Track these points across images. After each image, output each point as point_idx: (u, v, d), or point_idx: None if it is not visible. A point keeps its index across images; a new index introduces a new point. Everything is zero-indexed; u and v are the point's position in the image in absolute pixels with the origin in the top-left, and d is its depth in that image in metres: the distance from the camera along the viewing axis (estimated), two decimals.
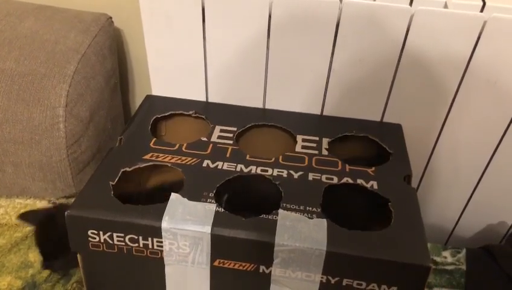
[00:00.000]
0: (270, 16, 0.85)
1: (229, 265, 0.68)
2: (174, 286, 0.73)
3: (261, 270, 0.68)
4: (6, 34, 0.88)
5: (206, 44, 0.90)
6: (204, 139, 0.84)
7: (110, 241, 0.69)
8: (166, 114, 0.92)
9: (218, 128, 0.87)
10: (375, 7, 0.81)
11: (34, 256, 0.83)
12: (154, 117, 0.90)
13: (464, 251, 0.92)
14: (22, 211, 0.90)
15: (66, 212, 0.67)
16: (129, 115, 1.13)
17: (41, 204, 0.92)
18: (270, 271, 0.68)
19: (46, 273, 0.81)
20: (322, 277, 0.66)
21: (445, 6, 0.81)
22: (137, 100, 1.14)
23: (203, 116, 0.91)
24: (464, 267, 0.89)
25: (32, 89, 0.82)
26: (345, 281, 0.66)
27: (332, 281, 0.67)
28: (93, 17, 0.94)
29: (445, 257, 0.92)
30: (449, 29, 0.81)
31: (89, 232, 0.68)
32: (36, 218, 0.78)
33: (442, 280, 0.86)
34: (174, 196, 0.70)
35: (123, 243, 0.69)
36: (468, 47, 0.82)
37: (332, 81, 0.91)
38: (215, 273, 0.70)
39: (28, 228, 0.86)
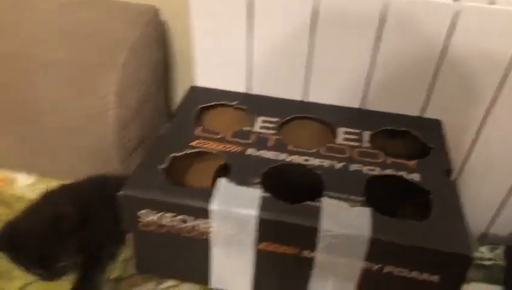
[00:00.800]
0: (314, 10, 0.87)
1: (273, 248, 0.71)
2: (219, 266, 0.76)
3: (304, 255, 0.70)
4: (60, 24, 0.92)
5: (250, 37, 0.92)
6: (247, 128, 0.87)
7: (161, 221, 0.72)
8: (210, 104, 0.95)
9: (260, 119, 0.90)
10: (419, 3, 0.82)
11: None
12: (199, 107, 0.93)
13: (503, 247, 0.92)
14: None
15: (118, 193, 0.71)
16: (171, 105, 1.16)
17: None
18: (313, 256, 0.70)
19: None
20: (364, 263, 0.68)
21: (492, 2, 0.82)
22: (178, 92, 1.17)
23: (245, 107, 0.94)
24: (502, 263, 0.89)
25: (85, 77, 0.86)
26: (386, 268, 0.68)
27: (374, 268, 0.68)
28: (141, 9, 0.98)
29: (483, 253, 0.92)
30: (494, 26, 0.81)
31: (141, 212, 0.72)
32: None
33: (479, 275, 0.87)
34: (221, 180, 0.73)
35: (173, 224, 0.72)
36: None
37: (373, 76, 0.92)
38: (259, 256, 0.72)
39: None
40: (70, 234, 0.73)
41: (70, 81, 0.87)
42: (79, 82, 0.86)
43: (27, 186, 0.97)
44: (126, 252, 0.84)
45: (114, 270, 0.82)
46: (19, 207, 0.92)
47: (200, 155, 0.83)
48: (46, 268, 0.73)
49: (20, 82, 0.88)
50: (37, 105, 0.89)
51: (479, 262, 0.89)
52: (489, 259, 0.90)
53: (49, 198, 0.81)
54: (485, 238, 1.02)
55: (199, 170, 0.87)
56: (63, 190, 0.83)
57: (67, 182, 0.92)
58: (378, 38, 0.87)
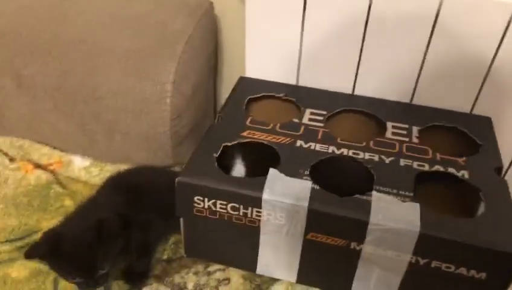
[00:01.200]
0: (368, 3, 0.87)
1: (321, 239, 0.73)
2: (266, 254, 0.79)
3: (352, 247, 0.72)
4: (122, 14, 0.96)
5: (301, 29, 0.94)
6: (296, 120, 0.89)
7: (214, 208, 0.75)
8: (259, 95, 0.97)
9: (308, 111, 0.91)
10: (475, 1, 0.82)
11: None
12: (248, 98, 0.95)
13: None
14: None
15: (176, 179, 0.74)
16: (219, 95, 1.19)
17: None
18: (361, 248, 0.71)
19: None
20: (411, 258, 0.70)
21: None
22: (226, 83, 1.19)
23: (293, 99, 0.95)
24: None
25: (145, 65, 0.90)
26: (433, 263, 0.69)
27: (421, 262, 0.69)
28: (196, 2, 1.01)
29: None
30: None
31: (195, 199, 0.75)
32: None
33: None
34: (272, 171, 0.75)
35: (225, 211, 0.75)
36: None
37: (424, 71, 0.92)
38: (307, 246, 0.74)
39: None
40: (113, 239, 0.72)
41: (130, 68, 0.91)
42: (138, 70, 0.90)
43: (82, 169, 1.02)
44: (175, 236, 0.88)
45: (164, 252, 0.86)
46: (74, 188, 0.98)
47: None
48: (87, 277, 0.71)
49: (82, 68, 0.93)
50: (96, 90, 0.93)
51: None
52: None
53: (91, 204, 0.80)
54: None
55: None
56: (104, 192, 0.83)
57: (121, 167, 0.96)
58: (431, 34, 0.87)
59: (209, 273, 0.83)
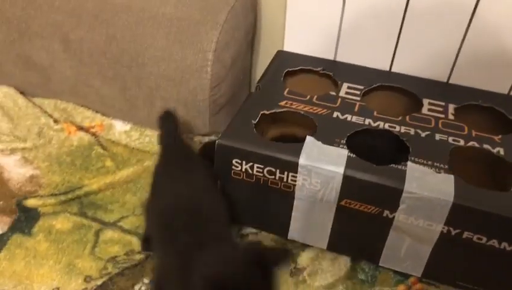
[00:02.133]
0: None
1: (354, 206, 0.75)
2: (299, 219, 0.81)
3: (384, 215, 0.73)
4: None
5: (342, 4, 0.95)
6: (333, 93, 0.90)
7: (250, 171, 0.77)
8: (296, 69, 0.99)
9: (345, 85, 0.93)
10: None
11: None
12: (286, 70, 0.97)
13: None
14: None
15: (216, 141, 0.77)
16: (255, 69, 1.20)
17: None
18: (394, 216, 0.73)
19: None
20: (443, 227, 0.71)
21: None
22: (260, 57, 1.21)
23: (331, 74, 0.96)
24: None
25: (188, 33, 0.92)
26: (465, 234, 0.70)
27: (453, 233, 0.71)
28: None
29: None
30: None
31: (234, 161, 0.77)
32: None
33: None
34: (309, 138, 0.77)
35: (261, 174, 0.77)
36: None
37: (463, 51, 0.92)
38: (340, 212, 0.76)
39: None
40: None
41: (173, 36, 0.93)
42: (181, 37, 0.92)
43: (123, 132, 1.06)
44: None
45: None
46: (115, 150, 1.02)
47: (286, 115, 0.87)
48: None
49: (127, 34, 0.96)
50: (140, 56, 0.96)
51: None
52: None
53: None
54: None
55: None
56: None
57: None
58: (472, 17, 0.87)
59: (241, 236, 0.86)
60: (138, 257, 0.81)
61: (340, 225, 0.78)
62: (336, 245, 0.82)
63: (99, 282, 0.78)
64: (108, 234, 0.85)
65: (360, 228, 0.78)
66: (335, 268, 0.82)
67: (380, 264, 0.80)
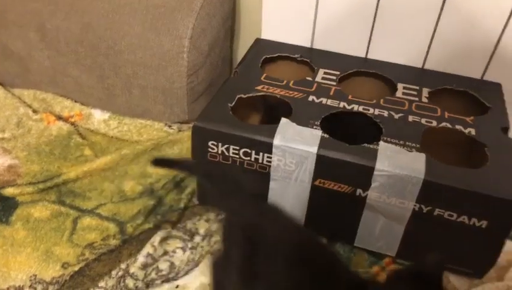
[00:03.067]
0: None
1: (328, 185, 0.76)
2: (275, 200, 0.81)
3: (357, 193, 0.74)
4: None
5: None
6: (309, 78, 0.91)
7: (226, 153, 0.78)
8: (274, 55, 0.99)
9: (322, 70, 0.94)
10: None
11: (152, 169, 0.95)
12: (264, 57, 0.98)
13: None
14: (142, 130, 1.03)
15: (193, 123, 0.77)
16: (234, 57, 1.21)
17: (158, 126, 1.04)
18: (366, 195, 0.74)
19: (162, 182, 0.92)
20: (415, 205, 0.72)
21: None
22: (241, 45, 1.22)
23: (308, 60, 0.98)
24: None
25: (164, 20, 0.93)
26: (436, 211, 0.71)
27: (425, 210, 0.72)
28: None
29: None
30: None
31: (210, 143, 0.78)
32: None
33: None
34: (284, 120, 0.78)
35: (237, 156, 0.78)
36: None
37: (437, 36, 0.94)
38: (315, 192, 0.77)
39: (147, 143, 0.98)
40: None
41: (149, 22, 0.94)
42: (157, 24, 0.93)
43: (102, 121, 1.06)
44: (191, 186, 0.91)
45: (180, 201, 0.89)
46: (93, 139, 1.02)
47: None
48: None
49: (104, 21, 0.96)
50: (116, 44, 0.96)
51: None
52: None
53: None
54: None
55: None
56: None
57: (139, 121, 1.00)
58: (443, 4, 0.88)
59: (220, 221, 0.87)
60: (114, 242, 0.82)
61: (315, 206, 0.79)
62: (311, 226, 0.82)
63: (76, 268, 0.78)
64: (86, 221, 0.86)
65: (334, 208, 0.78)
66: None
67: (355, 244, 0.81)
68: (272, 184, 0.79)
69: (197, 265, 0.79)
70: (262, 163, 0.77)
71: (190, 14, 0.92)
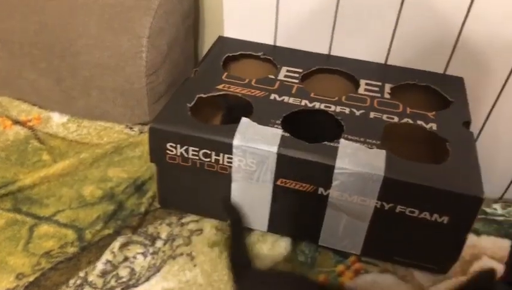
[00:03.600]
0: None
1: (290, 185, 0.74)
2: (238, 201, 0.80)
3: (319, 192, 0.73)
4: None
5: None
6: (272, 76, 0.90)
7: (186, 155, 0.76)
8: (237, 54, 0.98)
9: (284, 68, 0.93)
10: None
11: (113, 172, 0.93)
12: (226, 55, 0.96)
13: None
14: (102, 133, 1.00)
15: (149, 125, 0.75)
16: (199, 56, 1.19)
17: (119, 128, 1.01)
18: (328, 194, 0.73)
19: (123, 186, 0.90)
20: (376, 202, 0.71)
21: None
22: (206, 44, 1.20)
23: (271, 58, 0.96)
24: None
25: (121, 19, 0.90)
26: (398, 208, 0.71)
27: (386, 207, 0.71)
28: None
29: (496, 209, 0.94)
30: None
31: (168, 145, 0.76)
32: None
33: (490, 229, 0.89)
34: (244, 119, 0.76)
35: (197, 158, 0.76)
36: None
37: (399, 31, 0.93)
38: (277, 192, 0.76)
39: (107, 146, 0.96)
40: None
41: (105, 22, 0.91)
42: (114, 24, 0.90)
43: (60, 125, 1.03)
44: (152, 190, 0.89)
45: (140, 205, 0.87)
46: (52, 144, 0.99)
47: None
48: None
49: (58, 22, 0.93)
50: (72, 45, 0.93)
51: (491, 217, 0.91)
52: (502, 215, 0.92)
53: None
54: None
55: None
56: None
57: (99, 123, 0.97)
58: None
59: (182, 225, 0.85)
60: (72, 250, 0.79)
61: (278, 206, 0.78)
62: (276, 227, 0.82)
63: (31, 278, 0.75)
64: (43, 228, 0.83)
65: (297, 208, 0.77)
66: (275, 251, 0.81)
67: (320, 243, 0.80)
68: (233, 185, 0.78)
69: (158, 270, 0.77)
70: (223, 164, 0.75)
71: (147, 12, 0.90)
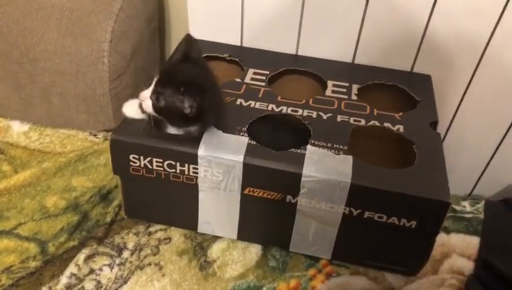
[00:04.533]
0: None
1: (258, 193, 0.73)
2: (206, 211, 0.79)
3: (287, 200, 0.72)
4: None
5: None
6: (238, 80, 0.88)
7: (150, 166, 0.74)
8: (202, 56, 0.95)
9: (251, 71, 0.91)
10: None
11: (77, 181, 0.90)
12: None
13: (483, 202, 0.95)
14: (66, 141, 0.97)
15: (110, 136, 0.73)
16: (166, 58, 1.17)
17: (83, 135, 0.98)
18: (296, 201, 0.72)
19: (88, 196, 0.87)
20: (345, 209, 0.71)
21: None
22: (173, 46, 1.17)
23: (237, 60, 0.94)
24: (481, 216, 0.92)
25: (81, 24, 0.87)
26: (366, 214, 0.71)
27: (355, 213, 0.71)
28: None
29: (464, 206, 0.95)
30: None
31: (131, 157, 0.74)
32: None
33: (459, 226, 0.90)
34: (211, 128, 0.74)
35: (161, 169, 0.74)
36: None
37: (365, 30, 0.92)
38: (245, 201, 0.75)
39: (71, 155, 0.93)
40: None
41: (64, 27, 0.88)
42: (73, 28, 0.87)
43: (21, 134, 0.99)
44: (118, 198, 0.87)
45: (106, 215, 0.85)
46: (13, 153, 0.95)
47: None
48: None
49: (14, 28, 0.89)
50: (30, 51, 0.90)
51: (460, 215, 0.92)
52: (470, 212, 0.93)
53: None
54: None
55: None
56: None
57: (61, 131, 0.94)
58: None
59: (150, 234, 0.83)
60: (35, 264, 0.77)
61: (247, 214, 0.77)
62: (245, 235, 0.81)
63: None
64: (3, 243, 0.80)
65: (267, 216, 0.76)
66: (246, 258, 0.80)
67: (291, 249, 0.80)
68: (201, 195, 0.76)
69: (125, 282, 0.76)
70: (188, 174, 0.74)
71: (108, 16, 0.87)
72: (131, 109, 0.74)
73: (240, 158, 0.70)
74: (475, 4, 0.84)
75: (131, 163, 0.74)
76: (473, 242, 0.88)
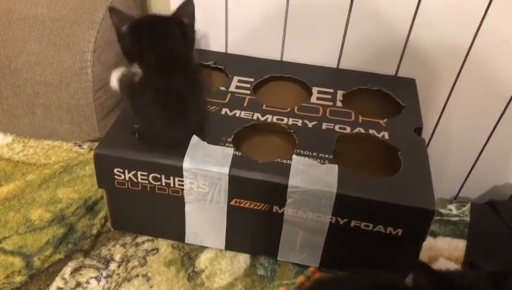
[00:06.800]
0: None
1: (244, 205, 0.73)
2: (193, 222, 0.78)
3: (274, 210, 0.72)
4: None
5: None
6: (223, 88, 0.88)
7: (135, 180, 0.74)
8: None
9: (236, 78, 0.91)
10: None
11: (63, 193, 0.89)
12: None
13: (469, 204, 0.96)
14: (50, 152, 0.96)
15: (94, 151, 0.72)
16: None
17: (67, 146, 0.97)
18: (283, 211, 0.72)
19: (73, 208, 0.86)
20: (331, 218, 0.71)
21: None
22: None
23: (222, 67, 0.94)
24: (467, 219, 0.93)
25: (63, 34, 0.86)
26: (353, 223, 0.71)
27: (341, 222, 0.71)
28: None
29: (451, 210, 0.96)
30: None
31: (115, 170, 0.73)
32: None
33: (446, 230, 0.91)
34: (194, 139, 0.74)
35: (146, 182, 0.74)
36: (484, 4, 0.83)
37: (349, 35, 0.92)
38: (232, 212, 0.75)
39: (56, 166, 0.92)
40: None
41: (46, 37, 0.87)
42: (55, 39, 0.86)
43: (5, 145, 0.98)
44: (104, 209, 0.86)
45: (93, 227, 0.84)
46: None
47: None
48: None
49: None
50: (12, 62, 0.89)
51: (446, 218, 0.93)
52: (456, 215, 0.94)
53: None
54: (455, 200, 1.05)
55: None
56: None
57: (45, 142, 0.93)
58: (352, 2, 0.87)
59: (137, 245, 0.83)
60: (20, 279, 0.76)
61: (234, 225, 0.77)
62: (233, 245, 0.80)
63: None
64: None
65: (254, 226, 0.76)
66: (234, 267, 0.80)
67: (279, 258, 0.80)
68: (187, 207, 0.76)
69: None
70: (174, 187, 0.73)
71: (91, 26, 0.86)
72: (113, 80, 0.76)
73: (226, 170, 0.70)
74: (457, 9, 0.85)
75: (115, 176, 0.74)
76: (459, 245, 0.88)
